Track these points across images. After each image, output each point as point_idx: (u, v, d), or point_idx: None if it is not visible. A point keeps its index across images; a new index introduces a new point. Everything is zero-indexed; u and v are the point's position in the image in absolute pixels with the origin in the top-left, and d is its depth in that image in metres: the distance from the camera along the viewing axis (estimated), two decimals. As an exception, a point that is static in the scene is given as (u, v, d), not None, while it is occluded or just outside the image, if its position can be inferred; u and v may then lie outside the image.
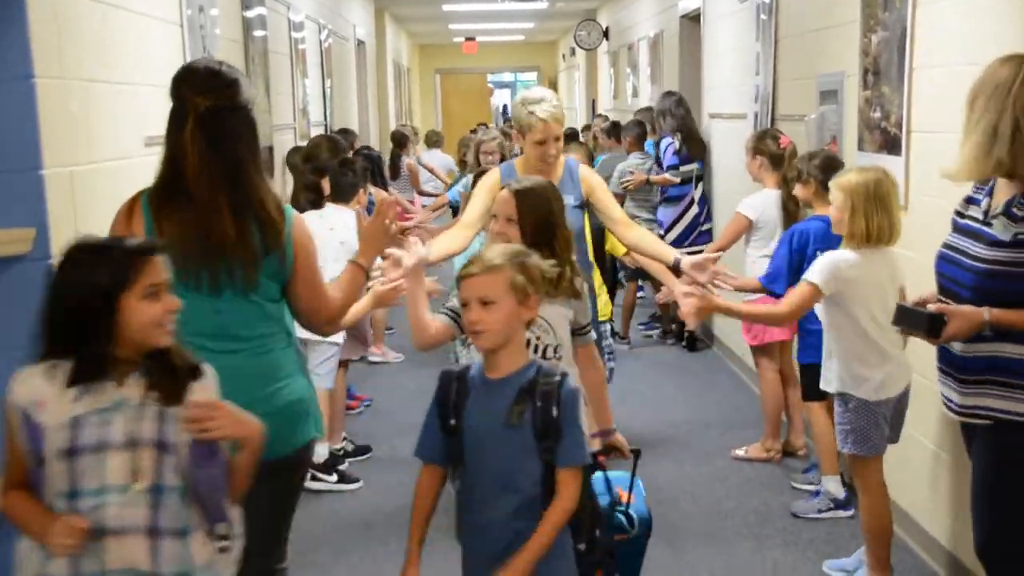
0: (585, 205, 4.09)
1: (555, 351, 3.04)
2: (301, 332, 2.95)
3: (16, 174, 2.76)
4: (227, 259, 2.54)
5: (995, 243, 2.70)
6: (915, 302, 2.95)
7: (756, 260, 5.05)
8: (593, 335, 3.21)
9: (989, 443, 2.80)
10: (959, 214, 2.87)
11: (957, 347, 2.78)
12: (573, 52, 17.44)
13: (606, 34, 14.15)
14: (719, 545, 4.26)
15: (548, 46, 22.64)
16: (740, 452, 5.27)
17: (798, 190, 4.53)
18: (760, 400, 5.35)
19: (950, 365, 2.84)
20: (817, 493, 4.58)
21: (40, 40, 2.77)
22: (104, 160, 3.22)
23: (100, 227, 3.01)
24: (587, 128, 12.22)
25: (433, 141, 11.39)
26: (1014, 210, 2.67)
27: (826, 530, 4.34)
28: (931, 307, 2.76)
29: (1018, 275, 2.66)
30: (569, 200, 3.78)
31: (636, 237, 4.16)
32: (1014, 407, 2.70)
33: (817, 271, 3.61)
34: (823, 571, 3.96)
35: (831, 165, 4.31)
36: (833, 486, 4.49)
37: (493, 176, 4.10)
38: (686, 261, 3.85)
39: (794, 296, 3.67)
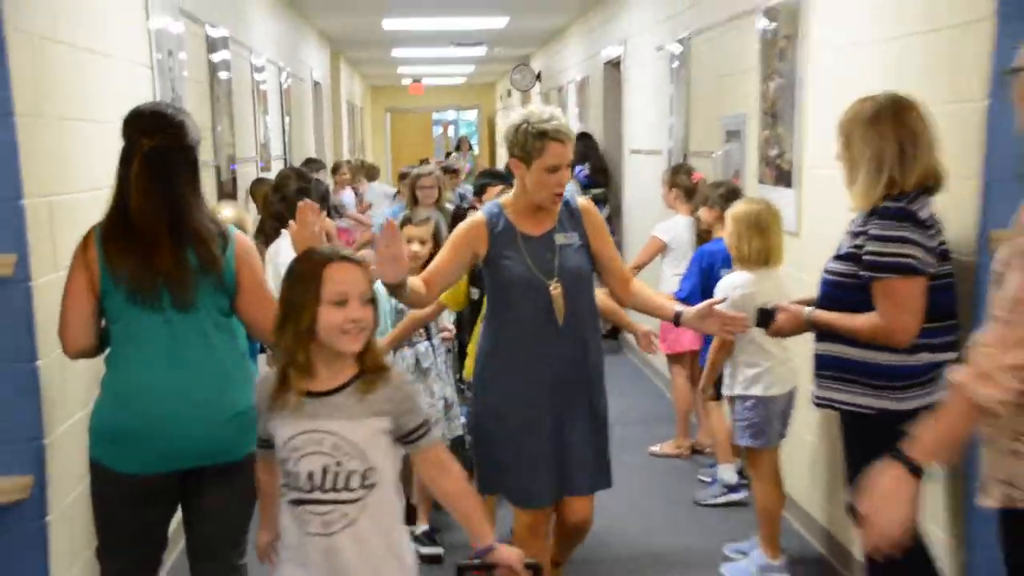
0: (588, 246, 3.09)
1: (363, 479, 2.13)
2: None
3: (-3, 203, 2.72)
4: (166, 282, 2.52)
5: (837, 256, 2.81)
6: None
7: (670, 278, 5.16)
8: (436, 433, 2.32)
9: (843, 431, 2.91)
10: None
11: (816, 347, 2.89)
12: (509, 93, 17.51)
13: (539, 77, 14.24)
14: (638, 532, 4.31)
15: (487, 87, 22.72)
16: (656, 449, 5.33)
17: (702, 212, 4.63)
18: (673, 403, 5.42)
19: (813, 361, 2.95)
20: (714, 481, 4.67)
21: (20, 81, 2.74)
22: (80, 191, 3.18)
23: (76, 251, 3.00)
24: None
25: (371, 176, 11.37)
26: (854, 229, 2.77)
27: (728, 519, 4.41)
28: (771, 304, 2.90)
29: (850, 285, 2.74)
30: (573, 239, 3.03)
31: (639, 295, 3.17)
32: (852, 399, 2.79)
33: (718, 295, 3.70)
34: (725, 553, 4.02)
35: (732, 195, 4.41)
36: (727, 474, 4.60)
37: (474, 223, 3.05)
38: (688, 314, 3.02)
39: None
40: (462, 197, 7.30)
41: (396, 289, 2.78)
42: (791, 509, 4.23)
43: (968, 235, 2.87)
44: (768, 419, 3.73)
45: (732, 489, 4.56)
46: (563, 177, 2.94)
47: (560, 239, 3.01)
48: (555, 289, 2.96)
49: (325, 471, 2.12)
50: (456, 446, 3.99)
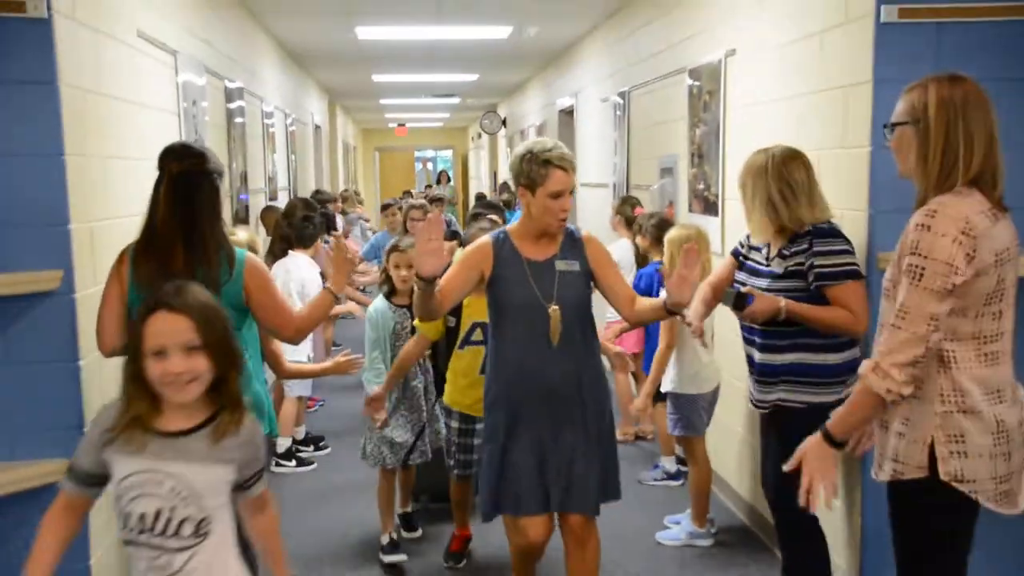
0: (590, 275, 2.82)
1: (196, 528, 1.79)
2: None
3: (49, 228, 2.73)
4: None
5: (774, 277, 2.82)
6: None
7: None
8: (262, 484, 1.95)
9: (776, 424, 2.91)
10: (744, 257, 2.97)
11: (758, 357, 2.87)
12: (480, 135, 17.57)
13: (504, 122, 14.32)
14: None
15: (461, 130, 22.76)
16: None
17: (639, 240, 4.70)
18: (616, 396, 5.47)
19: (755, 370, 2.92)
20: (657, 466, 4.72)
21: (70, 127, 2.76)
22: (117, 217, 3.19)
23: (115, 269, 3.01)
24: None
25: (358, 201, 11.28)
26: (783, 252, 2.81)
27: (665, 496, 4.46)
28: (744, 289, 2.83)
29: (796, 298, 2.76)
30: (573, 266, 2.77)
31: (638, 308, 2.85)
32: (796, 397, 2.81)
33: None
34: (664, 523, 4.06)
35: (663, 224, 4.48)
36: (668, 463, 4.63)
37: (482, 245, 2.82)
38: (667, 298, 2.68)
39: (663, 329, 3.80)
40: (447, 224, 7.23)
41: (428, 285, 2.54)
42: (722, 488, 4.28)
43: (859, 257, 2.96)
44: (697, 411, 3.79)
45: (672, 476, 4.59)
46: (566, 203, 2.71)
47: (561, 265, 2.75)
48: (554, 311, 2.71)
49: (158, 514, 1.78)
50: (437, 455, 3.77)
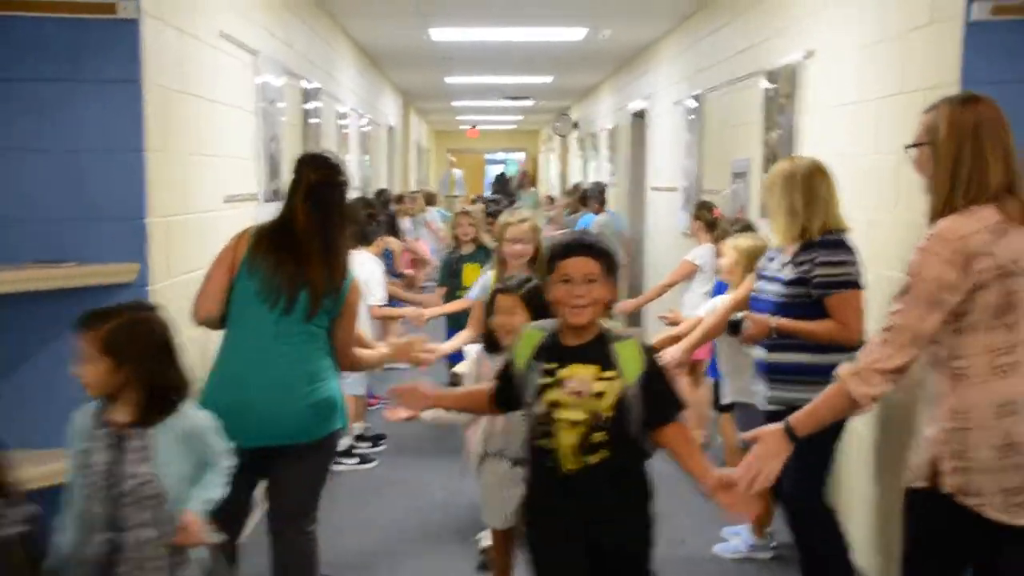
0: None
1: None
2: None
3: (126, 222, 2.82)
4: (306, 290, 2.64)
5: (785, 283, 2.96)
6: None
7: (699, 295, 5.03)
8: None
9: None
10: (763, 267, 3.13)
11: (770, 357, 3.01)
12: (551, 138, 17.58)
13: (576, 125, 14.29)
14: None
15: (532, 133, 22.79)
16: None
17: (722, 246, 4.59)
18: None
19: (766, 370, 3.05)
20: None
21: (151, 124, 2.84)
22: (194, 212, 3.27)
23: (188, 262, 3.09)
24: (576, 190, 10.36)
25: (430, 202, 11.10)
26: (793, 261, 2.96)
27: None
28: (740, 314, 3.06)
29: (800, 304, 2.92)
30: None
31: None
32: (804, 396, 2.82)
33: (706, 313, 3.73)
34: (721, 535, 3.98)
35: (748, 230, 4.38)
36: None
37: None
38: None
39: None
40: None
41: None
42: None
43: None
44: (758, 423, 3.68)
45: None
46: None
47: None
48: None
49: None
50: None
